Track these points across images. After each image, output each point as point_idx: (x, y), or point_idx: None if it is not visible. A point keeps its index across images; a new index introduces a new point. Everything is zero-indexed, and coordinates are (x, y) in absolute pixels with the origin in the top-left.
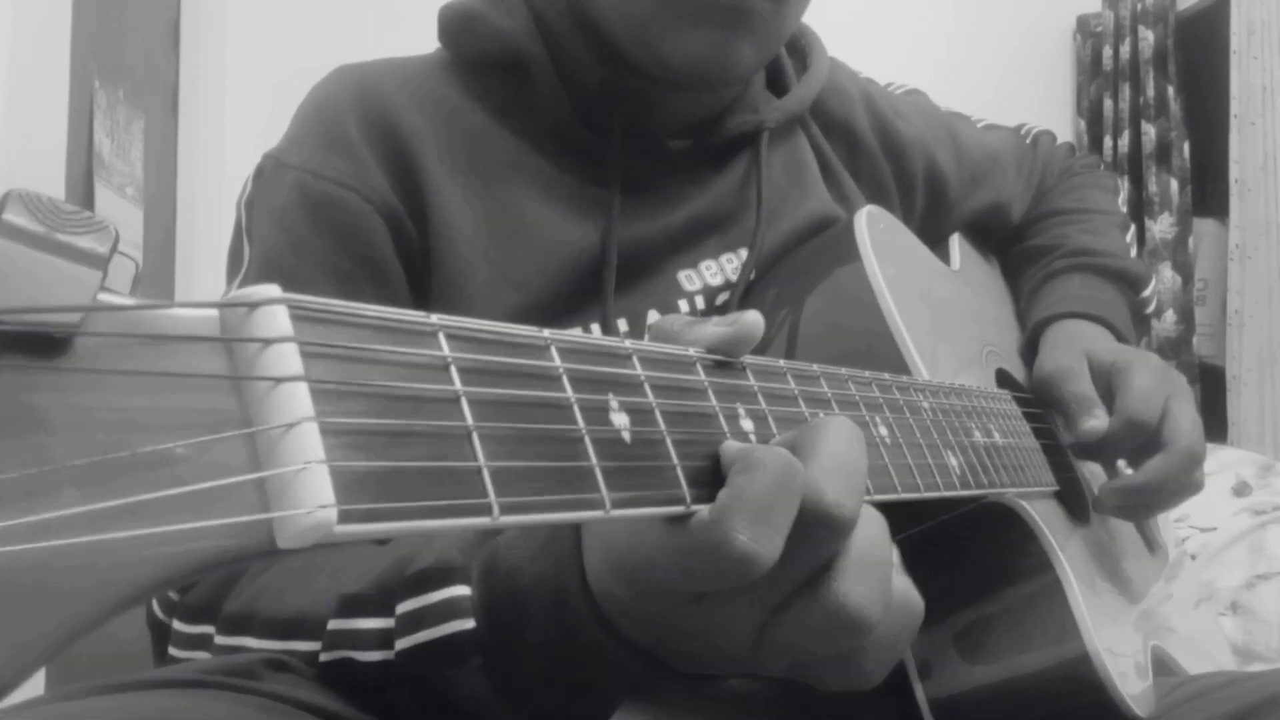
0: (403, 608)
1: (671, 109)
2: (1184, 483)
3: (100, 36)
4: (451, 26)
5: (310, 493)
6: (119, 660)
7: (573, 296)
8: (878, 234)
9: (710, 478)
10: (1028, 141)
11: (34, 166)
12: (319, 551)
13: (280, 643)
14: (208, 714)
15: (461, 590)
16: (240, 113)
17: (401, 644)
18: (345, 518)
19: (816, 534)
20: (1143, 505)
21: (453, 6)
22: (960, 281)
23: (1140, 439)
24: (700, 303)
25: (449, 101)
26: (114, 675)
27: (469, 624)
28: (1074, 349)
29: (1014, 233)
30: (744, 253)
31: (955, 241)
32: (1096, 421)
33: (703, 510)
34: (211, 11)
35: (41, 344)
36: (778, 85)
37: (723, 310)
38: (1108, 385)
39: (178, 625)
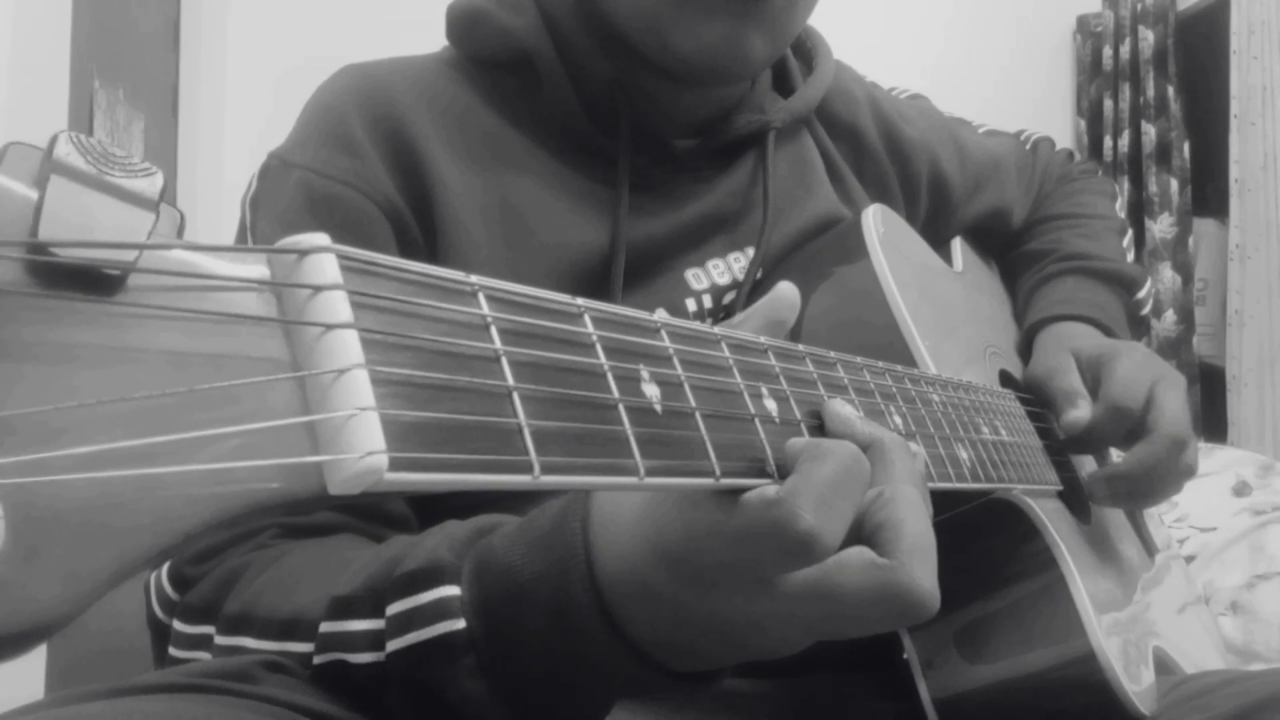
0: (392, 609)
1: (679, 107)
2: (1172, 467)
3: (100, 36)
4: (459, 24)
5: (361, 438)
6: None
7: (580, 295)
8: (885, 232)
9: (738, 453)
10: (1028, 148)
11: None
12: (318, 550)
13: (277, 643)
14: (203, 718)
15: (451, 590)
16: (240, 113)
17: (392, 645)
18: (395, 465)
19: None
20: (1134, 492)
21: (460, 4)
22: (963, 283)
23: (1126, 425)
24: (708, 301)
25: (456, 100)
26: (112, 679)
27: (459, 624)
28: (1062, 348)
29: (1013, 237)
30: (751, 251)
31: (957, 244)
32: (1079, 412)
33: (769, 488)
34: (211, 11)
35: (95, 280)
36: (784, 86)
37: (730, 309)
38: (1095, 377)
39: (178, 625)
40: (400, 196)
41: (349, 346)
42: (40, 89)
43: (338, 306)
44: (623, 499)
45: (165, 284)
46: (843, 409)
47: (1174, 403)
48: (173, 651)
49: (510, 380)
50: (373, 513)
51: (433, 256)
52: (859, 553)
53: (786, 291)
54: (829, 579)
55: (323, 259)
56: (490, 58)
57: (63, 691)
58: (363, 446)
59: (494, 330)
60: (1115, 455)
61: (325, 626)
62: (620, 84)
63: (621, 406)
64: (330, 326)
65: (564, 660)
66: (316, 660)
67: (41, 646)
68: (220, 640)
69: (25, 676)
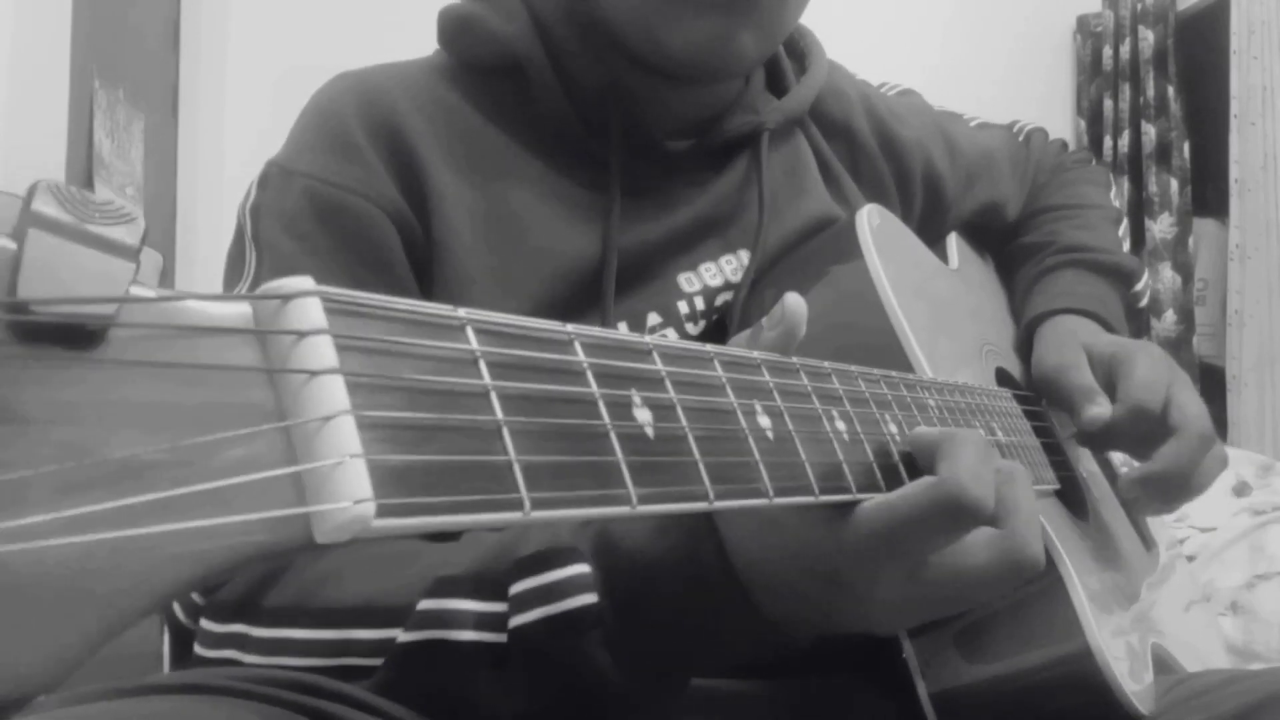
0: (520, 587)
1: (671, 109)
2: (1203, 465)
3: (100, 36)
4: (450, 29)
5: (348, 486)
6: (119, 659)
7: (573, 300)
8: (879, 232)
9: (730, 474)
10: (1020, 139)
11: (34, 167)
12: (374, 545)
13: (339, 631)
14: (203, 718)
15: (584, 568)
16: (240, 113)
17: (519, 620)
18: (383, 512)
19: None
20: (1168, 492)
21: (451, 9)
22: (959, 280)
23: (1144, 426)
24: (700, 304)
25: (449, 105)
26: (112, 679)
27: (592, 598)
28: (1072, 343)
29: (1009, 230)
30: (743, 254)
31: (953, 240)
32: (1100, 409)
33: (924, 478)
34: (211, 11)
35: (76, 336)
36: (777, 86)
37: (723, 311)
38: (1108, 375)
39: (206, 625)
40: (404, 202)
41: (334, 392)
42: (40, 89)
43: (323, 351)
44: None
45: (148, 335)
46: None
47: (1194, 402)
48: (200, 651)
49: (500, 415)
50: None
51: (430, 261)
52: (982, 533)
53: (794, 306)
54: (962, 560)
55: (307, 303)
56: (482, 63)
57: (65, 692)
58: (350, 495)
59: (483, 365)
60: (1117, 459)
61: (426, 604)
62: (612, 87)
63: (613, 434)
64: (315, 373)
65: (691, 625)
66: (405, 639)
67: None
68: (261, 633)
69: None
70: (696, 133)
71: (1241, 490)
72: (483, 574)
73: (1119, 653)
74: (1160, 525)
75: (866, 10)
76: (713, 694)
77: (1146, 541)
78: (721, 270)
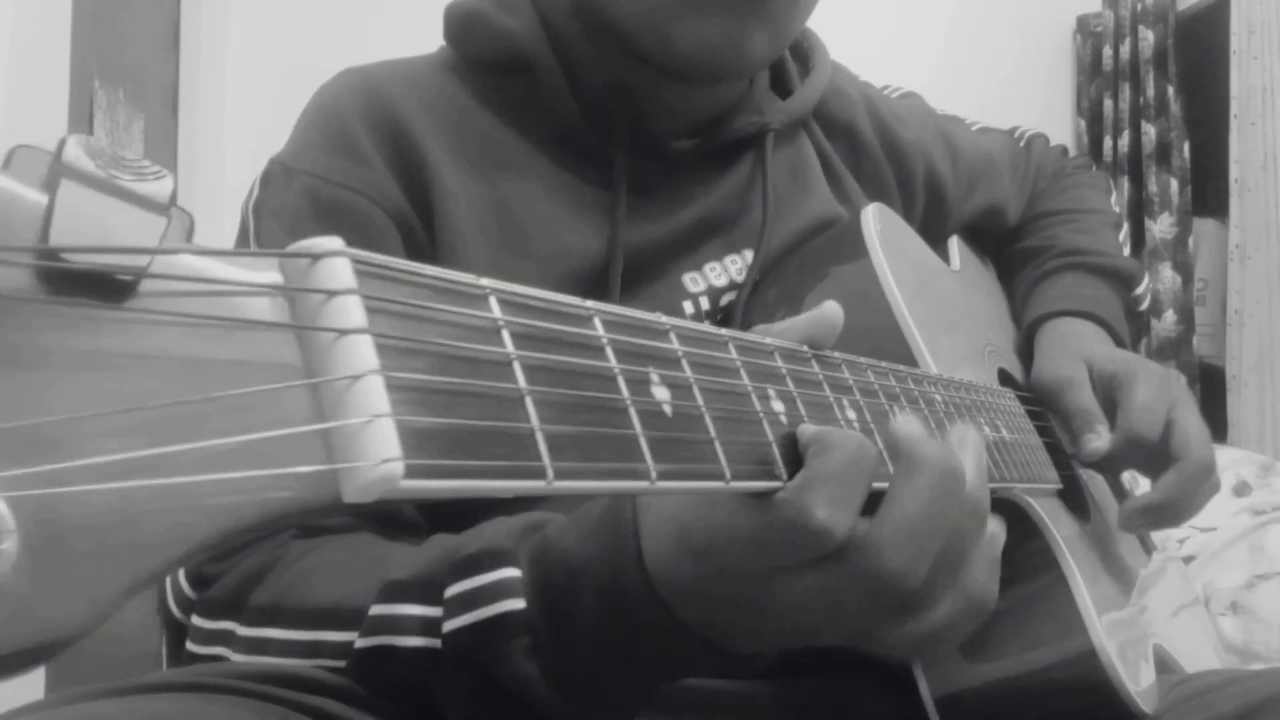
0: (452, 590)
1: (677, 109)
2: (1203, 490)
3: (100, 36)
4: (456, 26)
5: (376, 446)
6: (119, 659)
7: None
8: (884, 230)
9: (747, 454)
10: (1021, 144)
11: None
12: (351, 544)
13: (310, 633)
14: (203, 717)
15: (512, 572)
16: (240, 113)
17: (451, 625)
18: (411, 472)
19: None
20: (1166, 519)
21: (458, 6)
22: (961, 281)
23: (1143, 453)
24: (705, 304)
25: (454, 103)
26: (112, 679)
27: (519, 603)
28: (1072, 353)
29: (1009, 235)
30: (748, 253)
31: (954, 243)
32: (1099, 441)
33: (783, 489)
34: (211, 11)
35: (108, 286)
36: (781, 87)
37: (727, 311)
38: (1108, 394)
39: (197, 621)
40: (406, 201)
41: (363, 352)
42: (40, 89)
43: (351, 312)
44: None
45: (178, 289)
46: (910, 428)
47: (1196, 427)
48: (190, 647)
49: (523, 384)
50: (386, 518)
51: (433, 262)
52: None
53: (832, 313)
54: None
55: (336, 263)
56: (487, 60)
57: (64, 691)
58: (378, 454)
59: (506, 334)
60: (1126, 474)
61: (376, 609)
62: (618, 85)
63: (633, 409)
64: (344, 332)
65: (615, 641)
66: (359, 644)
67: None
68: (245, 632)
69: (25, 676)
70: (701, 132)
71: (1241, 490)
72: (430, 577)
73: (1121, 652)
74: None
75: (866, 11)
76: (713, 694)
77: (1145, 543)
78: (726, 270)
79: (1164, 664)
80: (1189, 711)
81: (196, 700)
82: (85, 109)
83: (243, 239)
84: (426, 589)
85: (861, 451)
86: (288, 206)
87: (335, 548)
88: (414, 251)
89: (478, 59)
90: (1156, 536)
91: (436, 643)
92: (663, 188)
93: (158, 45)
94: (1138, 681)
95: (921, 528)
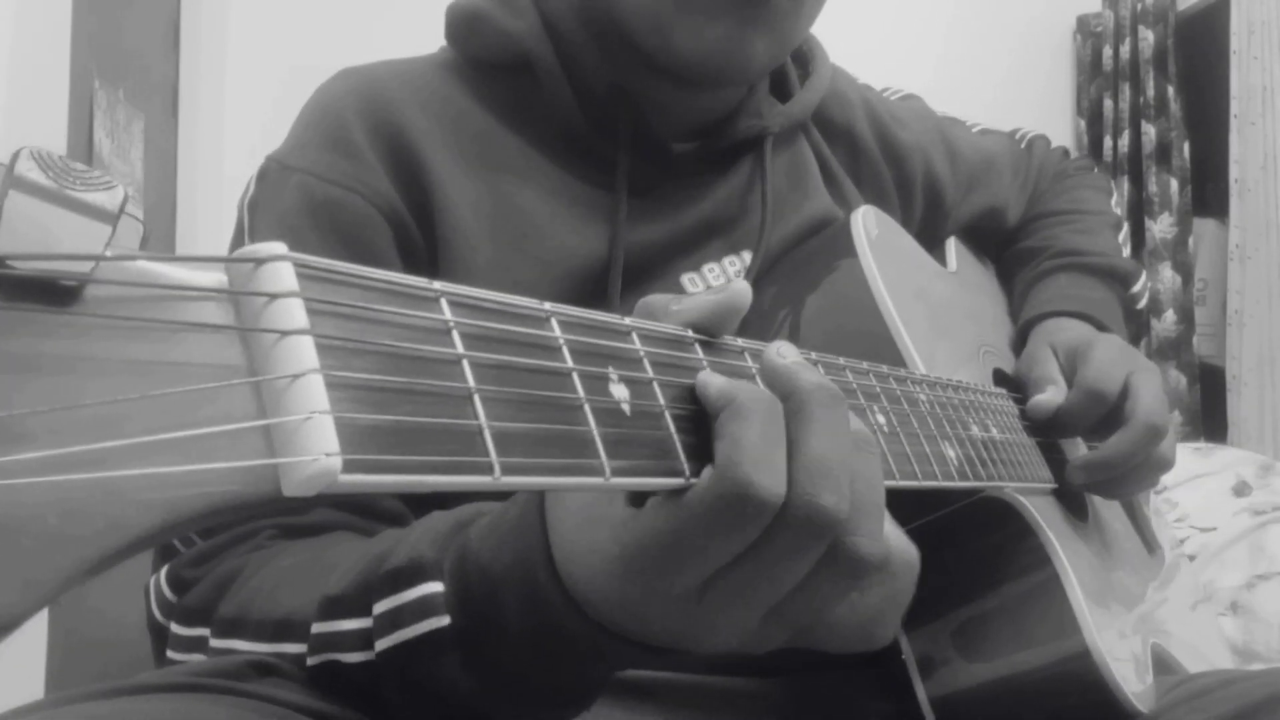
0: (379, 607)
1: (678, 112)
2: (1150, 456)
3: (100, 36)
4: (458, 26)
5: (315, 441)
6: (118, 660)
7: (578, 299)
8: (874, 233)
9: (708, 452)
10: (1022, 146)
11: None
12: (308, 551)
13: (270, 645)
14: (202, 718)
15: (434, 587)
16: (240, 113)
17: (381, 644)
18: (350, 467)
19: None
20: (1113, 480)
21: (460, 6)
22: (956, 282)
23: (1099, 410)
24: None
25: (455, 103)
26: (112, 680)
27: (444, 620)
28: (1043, 342)
29: (1009, 235)
30: (746, 255)
31: (952, 244)
32: (1047, 396)
33: (706, 469)
34: (211, 11)
35: (53, 291)
36: (781, 91)
37: None
38: (1071, 364)
39: (175, 628)
40: (401, 201)
41: (304, 352)
42: (40, 89)
43: (294, 313)
44: (567, 500)
45: (123, 294)
46: (776, 359)
47: (1150, 392)
48: (170, 654)
49: (472, 383)
50: (367, 509)
51: (433, 262)
52: None
53: (737, 294)
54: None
55: (279, 267)
56: (489, 60)
57: (63, 692)
58: (317, 449)
59: (456, 334)
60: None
61: (317, 627)
62: (620, 88)
63: (587, 407)
64: (285, 333)
65: (540, 647)
66: (310, 661)
67: (43, 636)
68: (215, 643)
69: (25, 676)
70: (701, 136)
71: (1241, 490)
72: (362, 590)
73: (1118, 653)
74: (1163, 526)
75: (866, 12)
76: (711, 691)
77: (1149, 544)
78: (725, 271)
79: (1163, 664)
80: (1188, 712)
81: (194, 701)
82: (85, 109)
83: (238, 235)
84: (360, 603)
85: (776, 409)
86: (282, 204)
87: (291, 556)
88: (408, 251)
89: (479, 59)
90: (1163, 535)
91: (370, 656)
92: (662, 190)
93: (158, 45)
94: (1133, 681)
95: (834, 458)
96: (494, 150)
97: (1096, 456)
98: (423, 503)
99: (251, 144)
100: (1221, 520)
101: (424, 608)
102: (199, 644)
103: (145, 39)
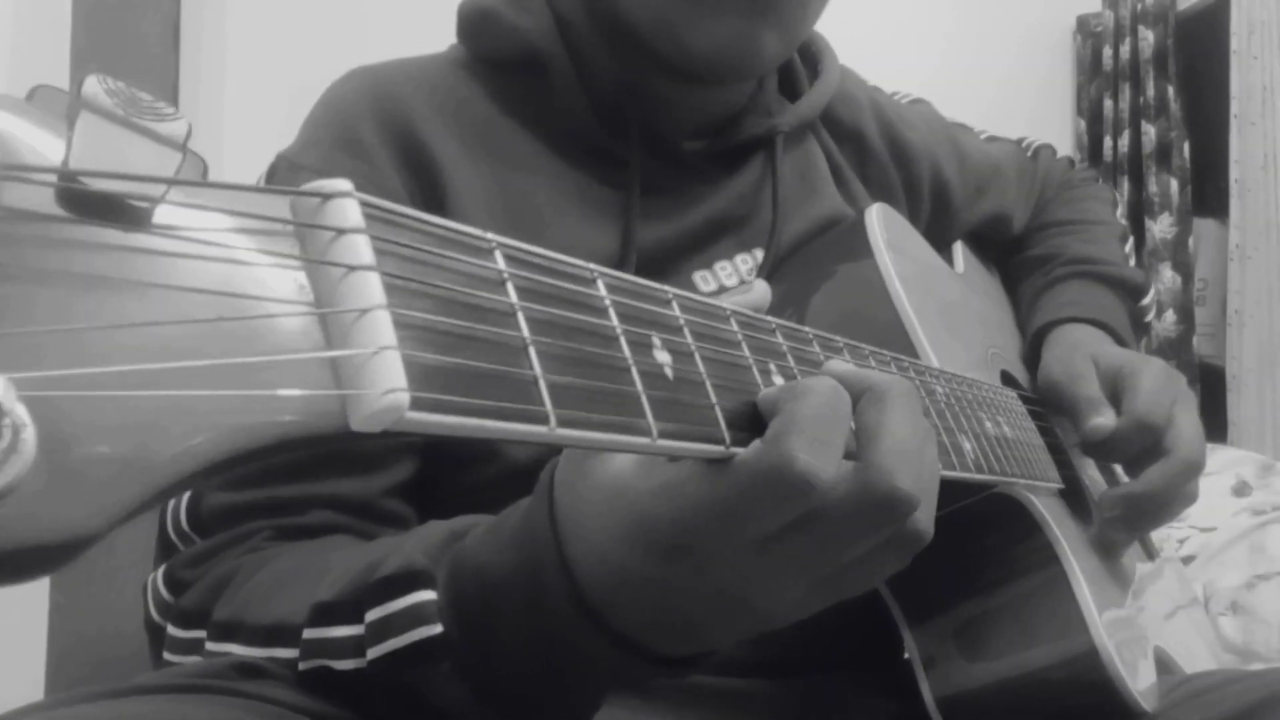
0: (371, 615)
1: (688, 110)
2: (1184, 492)
3: (100, 36)
4: (469, 23)
5: (384, 376)
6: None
7: None
8: (888, 230)
9: (747, 423)
10: (1029, 154)
11: None
12: (304, 554)
13: (264, 650)
14: (199, 719)
15: (426, 595)
16: (240, 113)
17: (372, 652)
18: (416, 404)
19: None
20: (1145, 513)
21: (472, 3)
22: (965, 284)
23: (1147, 441)
24: None
25: (466, 101)
26: (112, 680)
27: (435, 629)
28: (1079, 353)
29: (1014, 243)
30: (758, 253)
31: (958, 248)
32: (1104, 419)
33: (756, 441)
34: (211, 11)
35: (124, 211)
36: (790, 90)
37: None
38: (1114, 388)
39: (172, 630)
40: (410, 200)
41: (371, 288)
42: None
43: (360, 249)
44: (584, 492)
45: (191, 221)
46: (839, 365)
47: (1192, 427)
48: (167, 655)
49: (527, 334)
50: (368, 511)
51: None
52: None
53: (764, 292)
54: (814, 505)
55: (345, 203)
56: (500, 58)
57: (63, 693)
58: (385, 384)
59: (510, 286)
60: (1118, 471)
61: (308, 633)
62: (630, 86)
63: (635, 369)
64: (354, 268)
65: (541, 653)
66: (301, 666)
67: (42, 636)
68: (210, 646)
69: (25, 677)
70: (711, 134)
71: (1241, 490)
72: (354, 597)
73: (1122, 650)
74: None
75: (867, 10)
76: (714, 692)
77: (1147, 547)
78: (737, 269)
79: (1164, 664)
80: (1189, 711)
81: (194, 702)
82: None
83: None
84: (351, 610)
85: (836, 393)
86: None
87: (287, 559)
88: None
89: (490, 57)
90: (1156, 539)
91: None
92: (673, 188)
93: (158, 45)
94: (1138, 680)
95: (911, 445)
96: (505, 147)
97: (1134, 490)
98: (426, 506)
99: (252, 144)
100: (1221, 520)
101: (415, 616)
102: (195, 646)
103: (145, 39)
